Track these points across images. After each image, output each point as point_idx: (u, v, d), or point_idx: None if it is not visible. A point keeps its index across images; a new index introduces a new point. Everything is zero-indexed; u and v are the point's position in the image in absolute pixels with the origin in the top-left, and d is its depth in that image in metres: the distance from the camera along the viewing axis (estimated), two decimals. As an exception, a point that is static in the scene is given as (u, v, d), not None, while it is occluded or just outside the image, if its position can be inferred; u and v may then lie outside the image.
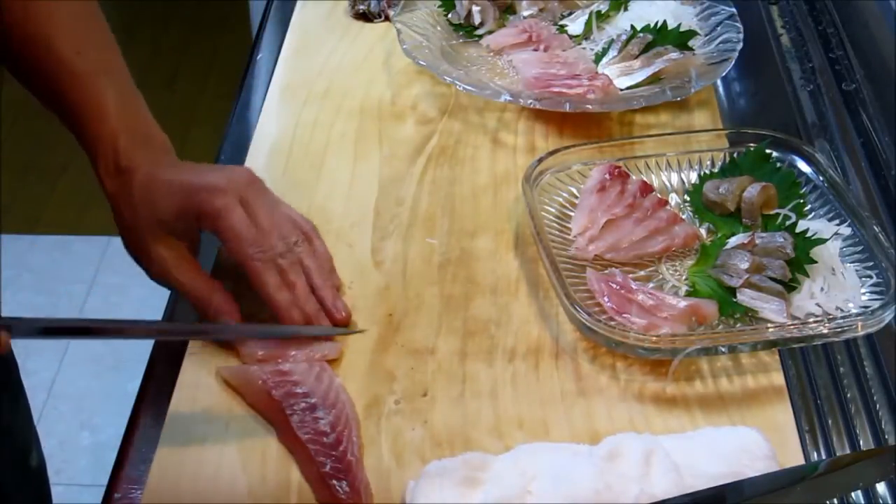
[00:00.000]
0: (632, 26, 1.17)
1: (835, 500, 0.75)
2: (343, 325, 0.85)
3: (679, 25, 1.16)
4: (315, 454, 0.74)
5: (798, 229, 0.90)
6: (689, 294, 0.88)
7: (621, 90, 1.10)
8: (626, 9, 1.21)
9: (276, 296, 0.82)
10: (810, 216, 0.94)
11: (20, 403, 1.04)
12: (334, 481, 0.73)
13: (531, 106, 1.07)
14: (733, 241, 0.91)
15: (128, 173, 0.84)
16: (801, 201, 0.95)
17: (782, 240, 0.88)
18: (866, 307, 0.84)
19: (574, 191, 0.97)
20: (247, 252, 0.81)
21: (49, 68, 0.85)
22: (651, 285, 0.88)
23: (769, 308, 0.84)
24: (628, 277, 0.87)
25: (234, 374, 0.81)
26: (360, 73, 1.18)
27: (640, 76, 1.11)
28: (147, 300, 2.31)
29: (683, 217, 0.95)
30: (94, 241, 2.53)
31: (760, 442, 0.74)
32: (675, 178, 1.00)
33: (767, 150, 0.99)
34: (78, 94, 0.85)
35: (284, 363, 0.81)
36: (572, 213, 0.95)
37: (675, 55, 1.11)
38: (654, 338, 0.81)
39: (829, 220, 0.92)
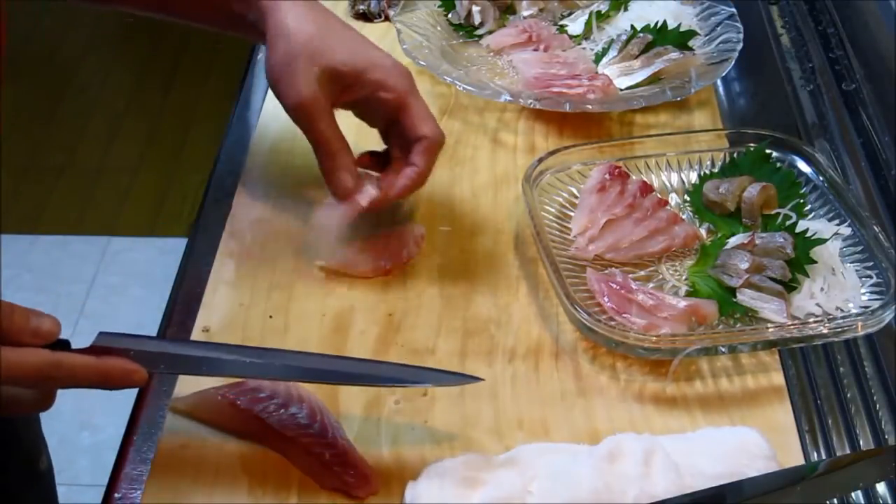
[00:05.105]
0: (632, 26, 1.17)
1: (835, 500, 0.75)
2: None
3: (679, 25, 1.16)
4: (310, 446, 0.74)
5: (798, 229, 0.90)
6: (689, 294, 0.88)
7: (621, 90, 1.10)
8: (626, 9, 1.21)
9: (422, 177, 0.90)
10: (810, 216, 0.94)
11: None
12: (338, 468, 0.73)
13: (531, 106, 1.07)
14: (733, 241, 0.91)
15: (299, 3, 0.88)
16: (801, 201, 0.95)
17: (782, 240, 0.88)
18: (866, 307, 0.84)
19: (574, 191, 0.97)
20: (425, 131, 0.88)
21: None
22: (651, 285, 0.88)
23: (769, 308, 0.84)
24: (628, 277, 0.87)
25: (191, 402, 0.79)
26: (360, 73, 1.17)
27: (640, 76, 1.11)
28: (146, 300, 2.32)
29: (683, 217, 0.95)
30: (93, 241, 2.53)
31: (760, 442, 0.74)
32: (675, 178, 1.00)
33: (767, 150, 0.99)
34: None
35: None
36: (572, 213, 0.95)
37: (675, 55, 1.11)
38: (654, 338, 0.81)
39: (829, 220, 0.92)
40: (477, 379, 0.77)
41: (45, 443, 1.09)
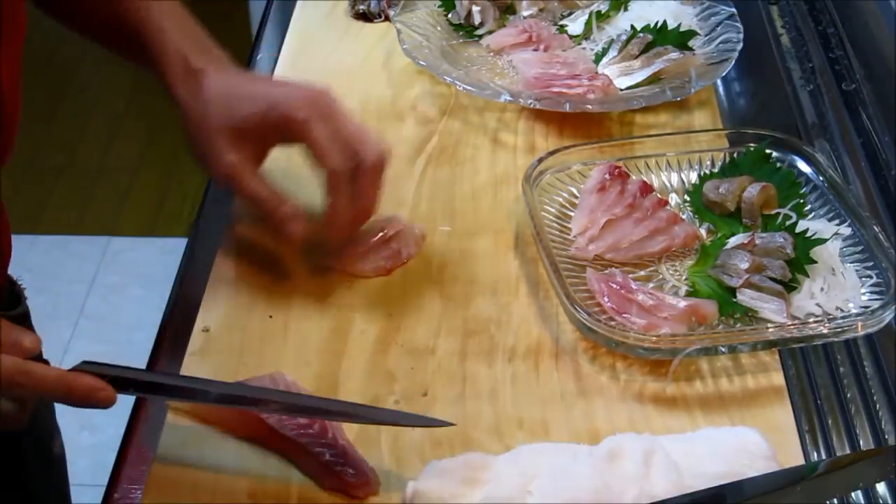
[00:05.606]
0: (632, 26, 1.17)
1: (835, 500, 0.75)
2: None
3: (679, 25, 1.16)
4: (310, 446, 0.74)
5: (798, 229, 0.90)
6: (689, 294, 0.88)
7: (621, 90, 1.10)
8: (626, 9, 1.21)
9: (345, 214, 0.87)
10: (810, 216, 0.94)
11: None
12: (339, 467, 0.73)
13: (531, 106, 1.07)
14: (733, 241, 0.91)
15: (199, 74, 0.87)
16: (801, 201, 0.95)
17: (782, 240, 0.88)
18: (866, 307, 0.84)
19: (574, 191, 0.97)
20: (328, 164, 0.84)
21: (117, 7, 0.90)
22: (651, 285, 0.88)
23: (769, 308, 0.84)
24: (628, 277, 0.87)
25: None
26: (360, 74, 1.18)
27: (640, 76, 1.11)
28: (146, 300, 2.32)
29: (683, 217, 0.95)
30: (94, 241, 2.53)
31: (760, 442, 0.74)
32: (675, 178, 1.00)
33: (767, 150, 0.99)
34: (136, 16, 0.89)
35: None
36: (572, 213, 0.95)
37: (675, 55, 1.11)
38: (654, 338, 0.81)
39: (829, 220, 0.92)
40: (446, 423, 0.75)
41: (58, 427, 1.10)
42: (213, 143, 0.85)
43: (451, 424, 0.75)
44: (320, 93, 0.87)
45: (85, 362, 0.71)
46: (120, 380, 0.72)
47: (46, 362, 0.71)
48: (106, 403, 0.71)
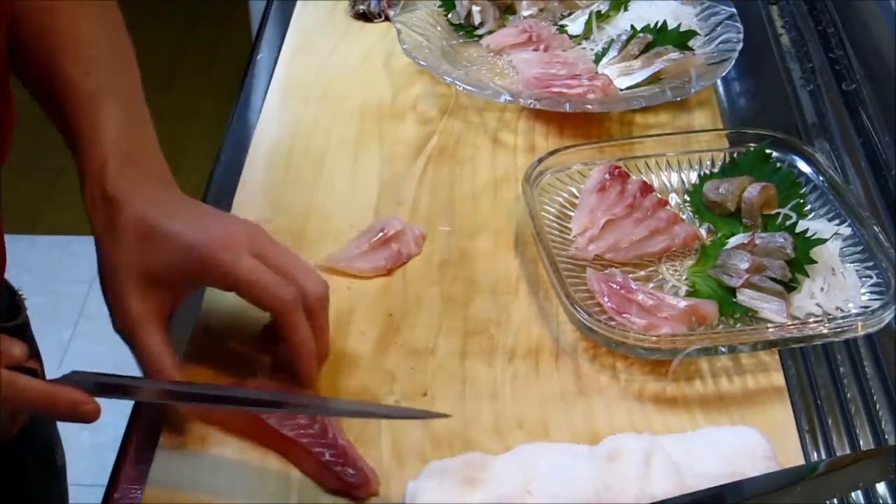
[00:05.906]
0: (632, 26, 1.17)
1: (835, 500, 0.75)
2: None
3: (679, 25, 1.16)
4: (310, 446, 0.74)
5: (798, 229, 0.90)
6: (689, 294, 0.88)
7: (621, 90, 1.10)
8: (626, 9, 1.21)
9: (309, 345, 0.77)
10: (810, 216, 0.94)
11: None
12: (339, 467, 0.73)
13: (531, 106, 1.07)
14: (733, 241, 0.91)
15: (114, 206, 0.77)
16: (801, 201, 0.95)
17: (782, 240, 0.88)
18: (866, 307, 0.84)
19: (574, 191, 0.97)
20: (278, 297, 0.76)
21: (56, 85, 0.83)
22: (651, 285, 0.88)
23: (769, 308, 0.84)
24: (628, 277, 0.87)
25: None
26: (360, 73, 1.18)
27: (640, 76, 1.11)
28: (147, 300, 2.31)
29: (683, 217, 0.95)
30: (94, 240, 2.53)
31: (760, 442, 0.74)
32: (675, 178, 1.00)
33: (767, 150, 0.99)
34: (78, 114, 0.82)
35: None
36: (572, 213, 0.95)
37: (675, 55, 1.11)
38: (654, 338, 0.81)
39: (829, 220, 0.92)
40: (443, 415, 0.75)
41: (60, 437, 1.10)
42: (120, 288, 0.76)
43: (447, 416, 0.75)
44: (247, 227, 0.78)
45: (74, 372, 0.71)
46: (108, 387, 0.71)
47: (35, 371, 0.70)
48: (90, 417, 0.70)
